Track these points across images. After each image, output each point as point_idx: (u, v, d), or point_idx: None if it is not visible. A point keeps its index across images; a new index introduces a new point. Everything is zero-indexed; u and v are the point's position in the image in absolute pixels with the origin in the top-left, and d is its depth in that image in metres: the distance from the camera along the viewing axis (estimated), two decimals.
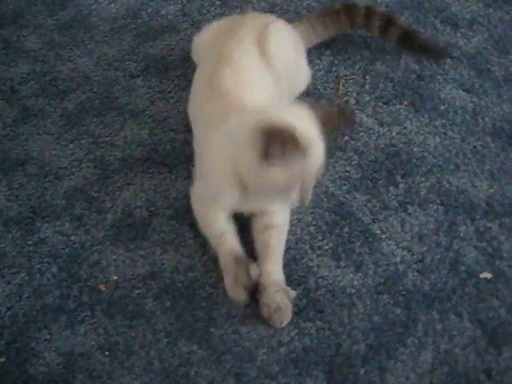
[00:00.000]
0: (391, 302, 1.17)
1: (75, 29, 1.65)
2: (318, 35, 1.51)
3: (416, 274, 1.21)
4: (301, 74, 1.43)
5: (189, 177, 1.35)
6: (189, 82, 1.49)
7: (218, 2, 1.68)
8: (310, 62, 1.49)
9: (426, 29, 1.61)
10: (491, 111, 1.45)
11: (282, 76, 1.30)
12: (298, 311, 1.16)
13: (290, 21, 1.49)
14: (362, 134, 1.41)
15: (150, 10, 1.68)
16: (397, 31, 1.48)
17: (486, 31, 1.61)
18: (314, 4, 1.66)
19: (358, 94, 1.49)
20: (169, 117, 1.45)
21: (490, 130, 1.42)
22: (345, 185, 1.33)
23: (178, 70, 1.54)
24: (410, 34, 1.49)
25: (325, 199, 1.31)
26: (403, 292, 1.19)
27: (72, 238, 1.28)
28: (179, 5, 1.68)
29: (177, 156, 1.39)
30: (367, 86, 1.50)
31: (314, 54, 1.53)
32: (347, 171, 1.36)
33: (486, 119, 1.44)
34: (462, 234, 1.26)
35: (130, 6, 1.69)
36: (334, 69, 1.52)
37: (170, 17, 1.66)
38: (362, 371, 1.10)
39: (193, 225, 1.28)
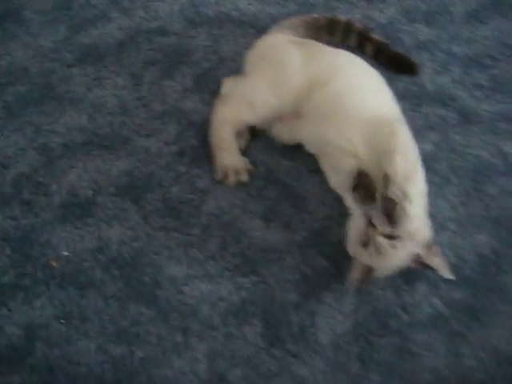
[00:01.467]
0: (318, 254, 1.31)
1: (9, 23, 1.71)
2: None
3: None
4: None
5: (128, 156, 1.45)
6: (123, 67, 1.60)
7: None
8: None
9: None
10: None
11: None
12: (234, 268, 1.29)
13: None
14: None
15: (80, 1, 1.75)
16: (371, 46, 1.55)
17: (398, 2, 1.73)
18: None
19: None
20: (106, 102, 1.54)
21: None
22: None
23: (112, 57, 1.62)
24: (382, 48, 1.54)
25: None
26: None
27: (22, 221, 1.37)
28: None
29: (115, 138, 1.48)
30: None
31: None
32: None
33: None
34: None
35: None
36: None
37: (100, 6, 1.73)
38: (295, 316, 1.24)
39: (135, 200, 1.39)
